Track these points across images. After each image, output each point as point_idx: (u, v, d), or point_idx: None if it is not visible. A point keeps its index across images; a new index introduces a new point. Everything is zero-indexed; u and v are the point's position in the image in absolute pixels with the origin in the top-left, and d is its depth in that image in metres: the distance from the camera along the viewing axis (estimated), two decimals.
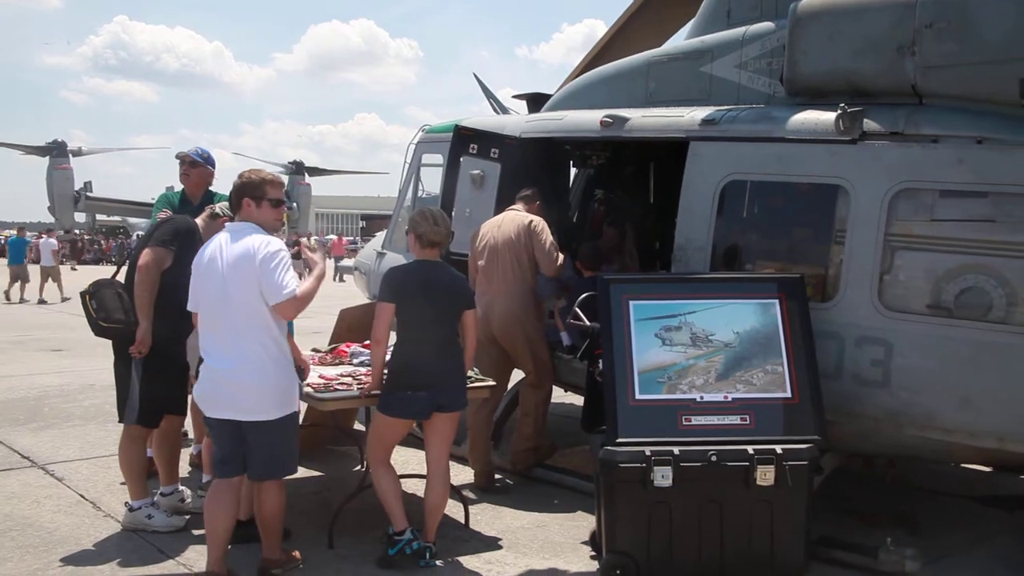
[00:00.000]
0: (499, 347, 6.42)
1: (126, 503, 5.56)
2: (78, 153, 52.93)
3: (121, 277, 5.67)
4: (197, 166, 6.49)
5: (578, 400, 7.11)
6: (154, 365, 5.35)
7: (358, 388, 5.30)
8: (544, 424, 6.68)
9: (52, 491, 6.25)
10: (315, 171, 58.93)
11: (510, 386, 6.85)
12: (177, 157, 6.58)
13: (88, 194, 52.99)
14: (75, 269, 33.95)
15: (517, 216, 6.54)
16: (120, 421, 5.52)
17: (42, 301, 21.95)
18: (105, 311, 5.38)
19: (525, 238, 6.39)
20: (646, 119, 6.50)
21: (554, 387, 6.90)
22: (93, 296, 5.40)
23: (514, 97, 9.12)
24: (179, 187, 6.65)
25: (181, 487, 5.85)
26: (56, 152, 50.66)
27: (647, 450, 4.71)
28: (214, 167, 6.60)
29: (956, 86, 5.18)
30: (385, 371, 5.17)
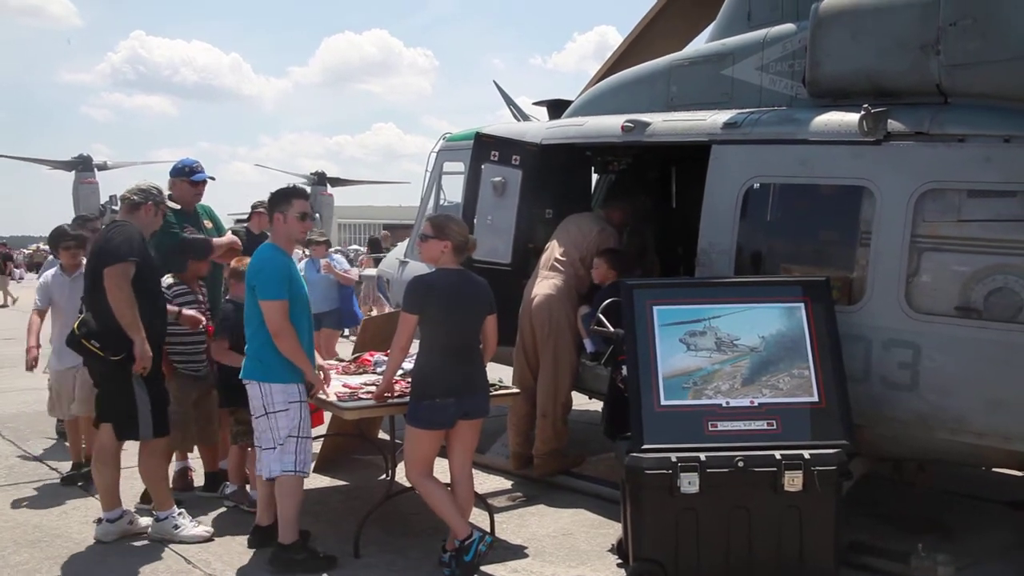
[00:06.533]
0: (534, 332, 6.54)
1: (151, 512, 5.60)
2: (103, 167, 53.30)
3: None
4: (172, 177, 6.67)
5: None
6: (151, 375, 5.37)
7: (363, 395, 5.34)
8: (564, 426, 6.64)
9: (79, 503, 6.29)
10: (337, 181, 59.01)
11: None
12: None
13: (113, 207, 53.28)
14: None
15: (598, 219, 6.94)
16: (131, 439, 5.44)
17: None
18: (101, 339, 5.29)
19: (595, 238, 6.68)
20: (667, 123, 6.47)
21: (578, 394, 6.87)
22: (86, 336, 5.29)
23: (534, 104, 9.09)
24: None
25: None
26: (82, 167, 50.98)
27: (673, 456, 4.68)
28: (188, 175, 6.60)
29: (982, 84, 5.11)
30: (409, 380, 5.17)
